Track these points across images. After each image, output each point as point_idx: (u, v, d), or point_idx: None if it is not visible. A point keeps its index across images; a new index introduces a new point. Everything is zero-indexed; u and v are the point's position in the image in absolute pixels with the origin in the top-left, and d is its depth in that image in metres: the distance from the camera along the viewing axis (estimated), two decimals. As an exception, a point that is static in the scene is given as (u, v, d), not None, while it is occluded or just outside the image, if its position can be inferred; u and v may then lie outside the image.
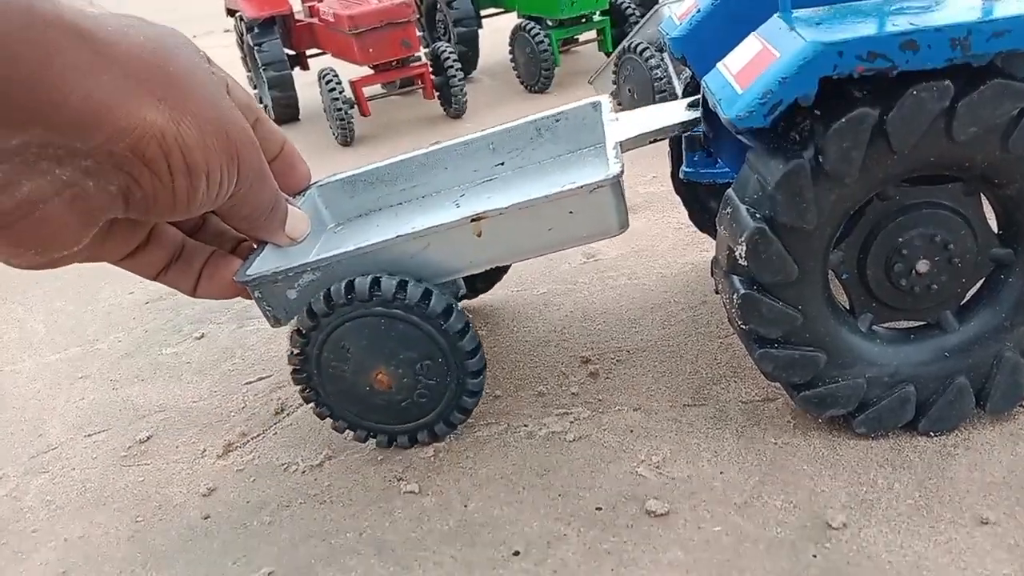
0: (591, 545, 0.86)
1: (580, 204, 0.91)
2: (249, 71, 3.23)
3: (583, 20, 2.88)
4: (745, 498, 0.89)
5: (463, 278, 1.11)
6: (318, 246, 1.13)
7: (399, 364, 0.97)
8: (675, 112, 1.14)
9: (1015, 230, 0.89)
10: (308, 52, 3.13)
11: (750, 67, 0.85)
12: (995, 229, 0.91)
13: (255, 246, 1.01)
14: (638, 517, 0.89)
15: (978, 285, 0.94)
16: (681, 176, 1.20)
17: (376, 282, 0.92)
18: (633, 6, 2.90)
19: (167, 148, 0.72)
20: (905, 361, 0.92)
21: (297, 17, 3.00)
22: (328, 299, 0.93)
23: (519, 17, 2.98)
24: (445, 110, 2.77)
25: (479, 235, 0.93)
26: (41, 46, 0.62)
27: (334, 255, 0.94)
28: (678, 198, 1.33)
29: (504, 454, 1.02)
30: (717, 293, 0.97)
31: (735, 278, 0.88)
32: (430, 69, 2.69)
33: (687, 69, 1.18)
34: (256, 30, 2.85)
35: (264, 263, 0.97)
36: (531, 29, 2.76)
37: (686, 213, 1.35)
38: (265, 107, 3.03)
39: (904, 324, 0.96)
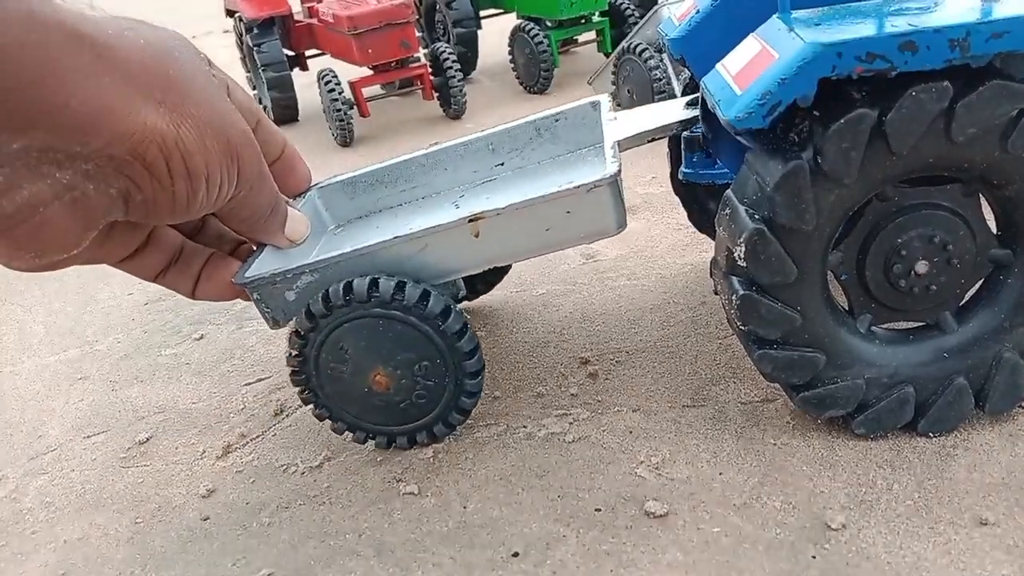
0: (590, 546, 0.86)
1: (577, 204, 0.91)
2: (248, 72, 3.23)
3: (582, 21, 2.88)
4: (744, 499, 0.89)
5: (463, 279, 1.11)
6: (318, 248, 1.13)
7: (397, 365, 0.97)
8: (673, 111, 1.14)
9: (1014, 231, 0.89)
10: (307, 53, 3.13)
11: (749, 68, 0.85)
12: (994, 230, 0.91)
13: (254, 248, 1.01)
14: (637, 518, 0.89)
15: (977, 286, 0.94)
16: (680, 177, 1.20)
17: (374, 283, 0.93)
18: (632, 7, 2.90)
19: (167, 152, 0.72)
20: (904, 362, 0.92)
21: (296, 18, 3.00)
22: (326, 300, 0.93)
23: (518, 18, 2.98)
24: (444, 111, 2.77)
25: (477, 235, 0.93)
26: (42, 51, 0.62)
27: (332, 256, 0.94)
28: (677, 199, 1.34)
29: (503, 455, 1.02)
30: (716, 294, 0.97)
31: (734, 279, 0.88)
32: (429, 70, 2.69)
33: (686, 70, 1.18)
34: (255, 31, 2.85)
35: (263, 265, 0.97)
36: (530, 30, 2.76)
37: (685, 214, 1.35)
38: (264, 108, 3.03)
39: (903, 325, 0.96)
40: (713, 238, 0.94)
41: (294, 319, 0.96)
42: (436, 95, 2.73)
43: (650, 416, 1.05)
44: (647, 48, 2.07)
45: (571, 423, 1.05)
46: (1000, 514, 0.82)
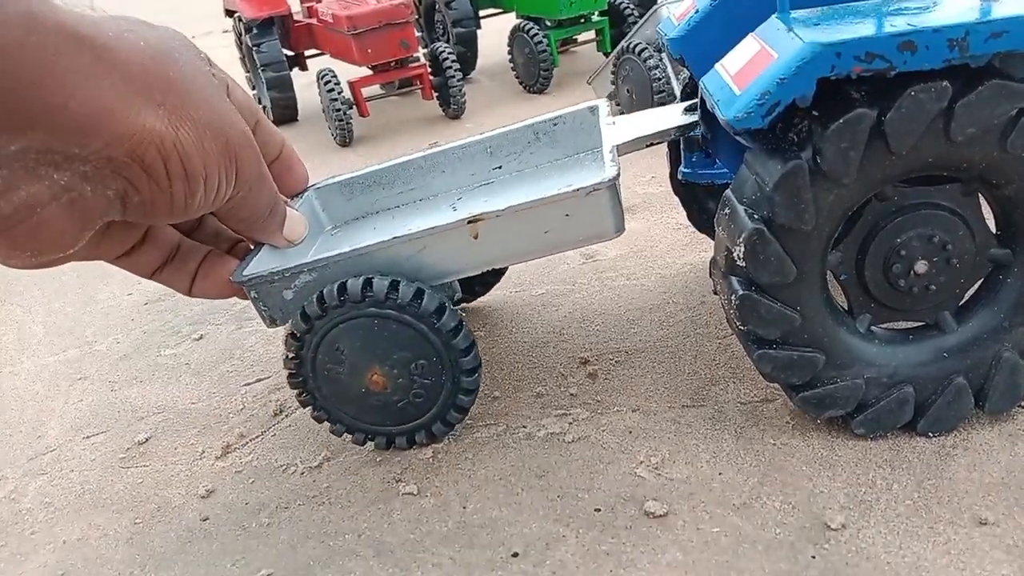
0: (590, 546, 0.86)
1: (576, 207, 0.92)
2: (248, 72, 3.23)
3: (582, 20, 2.88)
4: (744, 499, 0.89)
5: (460, 281, 1.11)
6: (315, 248, 1.13)
7: (394, 364, 0.97)
8: (672, 116, 1.14)
9: (1013, 231, 0.89)
10: (307, 53, 3.13)
11: (748, 68, 0.85)
12: (993, 230, 0.91)
13: (252, 247, 1.01)
14: (637, 518, 0.89)
15: (976, 286, 0.94)
16: (679, 177, 1.20)
17: (368, 283, 0.93)
18: (632, 6, 2.90)
19: (165, 154, 0.72)
20: (904, 362, 0.92)
21: (296, 18, 3.00)
22: (321, 301, 0.93)
23: (518, 17, 2.98)
24: (444, 110, 2.77)
25: (476, 237, 0.93)
26: (41, 52, 0.62)
27: (330, 256, 0.94)
28: (676, 199, 1.34)
29: (503, 455, 1.02)
30: (715, 294, 0.97)
31: (733, 279, 0.88)
32: (429, 70, 2.69)
33: (685, 70, 1.18)
34: (255, 31, 2.85)
35: (261, 264, 0.97)
36: (530, 29, 2.76)
37: (684, 214, 1.35)
38: (264, 108, 3.02)
39: (903, 325, 0.96)
40: (712, 238, 0.94)
41: (289, 321, 0.96)
42: (435, 95, 2.73)
43: (649, 416, 1.05)
44: (646, 48, 2.07)
45: (570, 423, 1.05)
46: (1000, 514, 0.82)
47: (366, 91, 2.67)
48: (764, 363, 0.90)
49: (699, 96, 1.06)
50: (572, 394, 1.12)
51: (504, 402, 1.12)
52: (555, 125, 1.20)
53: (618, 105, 2.22)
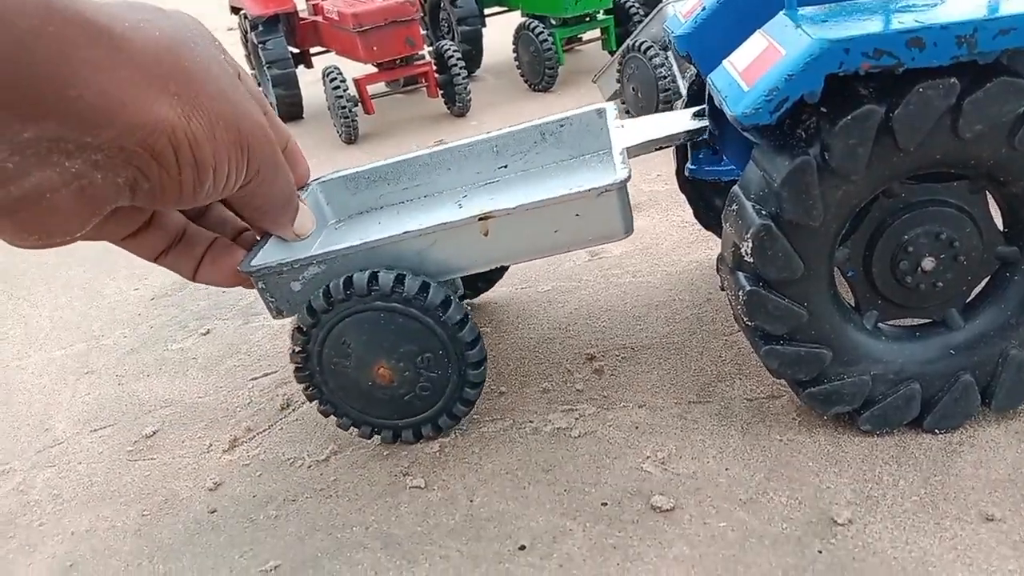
0: (597, 540, 0.86)
1: (587, 207, 0.92)
2: (253, 69, 3.23)
3: (587, 18, 2.88)
4: (750, 494, 0.89)
5: (463, 278, 1.11)
6: (319, 242, 1.13)
7: (400, 358, 0.97)
8: (681, 120, 1.14)
9: (1021, 228, 0.89)
10: (312, 50, 3.13)
11: (756, 64, 0.85)
12: (1001, 227, 0.91)
13: (258, 238, 1.01)
14: (644, 512, 0.89)
15: (984, 283, 0.94)
16: (686, 174, 1.21)
17: (374, 276, 0.93)
18: (637, 4, 2.90)
19: (177, 142, 0.73)
20: (910, 358, 0.92)
21: (301, 15, 3.00)
22: (327, 295, 0.93)
23: (523, 15, 2.98)
24: (449, 108, 2.78)
25: (486, 234, 0.94)
26: (58, 42, 0.63)
27: (340, 249, 0.94)
28: (683, 196, 1.33)
29: (509, 450, 1.02)
30: (722, 290, 0.97)
31: (741, 275, 0.89)
32: (434, 67, 2.70)
33: (692, 67, 1.18)
34: (260, 28, 2.85)
35: (268, 255, 0.98)
36: (535, 27, 2.76)
37: (691, 211, 1.35)
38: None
39: (909, 321, 0.96)
40: (719, 235, 0.95)
41: (296, 316, 0.96)
42: (440, 93, 2.73)
43: (656, 412, 1.05)
44: (652, 46, 2.07)
45: (577, 418, 1.06)
46: (1006, 510, 0.82)
47: (371, 88, 2.68)
48: (771, 359, 0.91)
49: (706, 93, 1.06)
50: (578, 390, 1.12)
51: (510, 397, 1.13)
52: (562, 126, 1.21)
53: (623, 103, 2.22)
